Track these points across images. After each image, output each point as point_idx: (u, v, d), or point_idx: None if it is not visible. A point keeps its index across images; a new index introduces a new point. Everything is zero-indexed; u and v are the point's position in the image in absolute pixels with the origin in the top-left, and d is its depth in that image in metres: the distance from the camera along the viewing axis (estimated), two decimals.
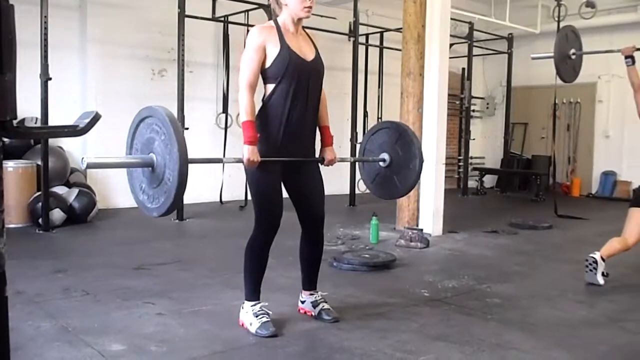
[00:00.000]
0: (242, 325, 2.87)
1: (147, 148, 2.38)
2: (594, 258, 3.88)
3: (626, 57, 4.18)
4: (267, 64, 2.72)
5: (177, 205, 2.36)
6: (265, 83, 2.77)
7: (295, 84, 2.72)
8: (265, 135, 2.73)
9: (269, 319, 2.80)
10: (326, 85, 2.86)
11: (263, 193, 2.77)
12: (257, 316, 2.80)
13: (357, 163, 3.46)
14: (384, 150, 3.22)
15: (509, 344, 2.75)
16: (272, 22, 2.83)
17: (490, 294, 3.63)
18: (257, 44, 2.70)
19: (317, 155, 2.97)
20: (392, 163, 3.19)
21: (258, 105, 2.79)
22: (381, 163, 3.22)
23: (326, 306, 3.02)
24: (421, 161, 3.11)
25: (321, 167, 2.97)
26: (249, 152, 2.65)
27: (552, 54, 4.35)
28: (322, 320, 2.97)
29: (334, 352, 2.59)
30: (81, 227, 5.61)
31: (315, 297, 3.05)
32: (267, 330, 2.75)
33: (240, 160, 2.70)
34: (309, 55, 2.79)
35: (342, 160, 3.33)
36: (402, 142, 3.17)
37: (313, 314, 3.02)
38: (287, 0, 2.75)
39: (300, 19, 2.79)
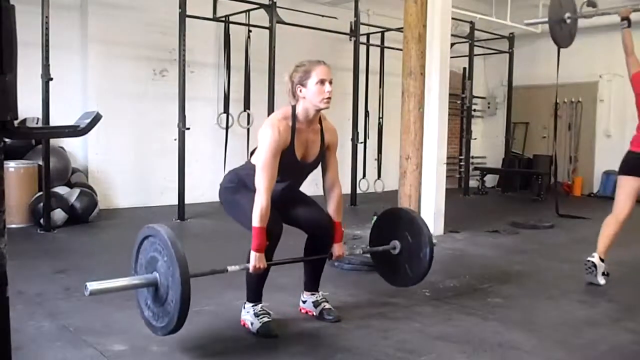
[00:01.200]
0: (244, 325, 2.87)
1: (151, 266, 2.44)
2: (592, 262, 3.85)
3: (622, 19, 4.13)
4: None
5: (181, 325, 2.36)
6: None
7: (288, 179, 2.79)
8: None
9: (270, 319, 2.81)
10: None
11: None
12: (257, 316, 2.80)
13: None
14: (394, 238, 3.27)
15: (510, 344, 2.75)
16: (288, 113, 2.72)
17: (491, 294, 3.63)
18: (277, 149, 2.63)
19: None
20: (403, 250, 3.24)
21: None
22: (392, 251, 3.27)
23: (327, 306, 3.03)
24: (432, 250, 3.14)
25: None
26: (256, 259, 2.65)
27: (546, 19, 4.31)
28: (324, 320, 2.97)
29: (335, 352, 2.59)
30: (82, 227, 5.61)
31: (317, 297, 3.05)
32: (267, 331, 2.76)
33: (246, 268, 2.70)
34: (311, 157, 2.80)
35: (352, 254, 3.43)
36: (411, 230, 3.22)
37: (314, 313, 3.02)
38: (304, 93, 2.68)
39: (318, 110, 2.73)
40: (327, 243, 2.97)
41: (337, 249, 2.98)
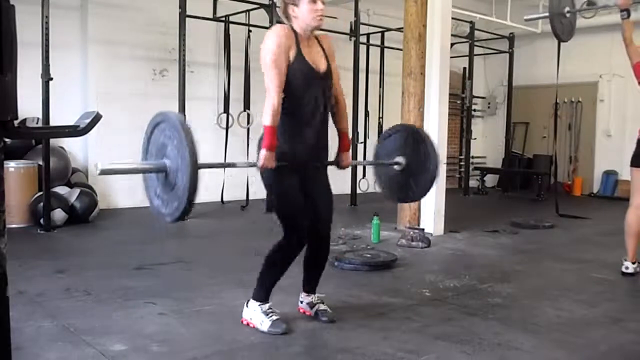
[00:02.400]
0: (247, 324, 2.86)
1: (161, 153, 2.39)
2: (630, 272, 4.08)
3: (622, 10, 4.15)
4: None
5: (189, 210, 2.31)
6: None
7: (308, 96, 2.70)
8: (280, 143, 2.68)
9: (279, 317, 2.82)
10: None
11: (286, 197, 2.76)
12: (267, 315, 2.80)
13: (372, 168, 3.43)
14: (398, 155, 3.19)
15: (510, 344, 2.75)
16: (288, 27, 2.73)
17: (491, 294, 3.63)
18: (285, 45, 2.64)
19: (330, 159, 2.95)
20: (407, 166, 3.15)
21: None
22: (396, 167, 3.18)
23: (322, 307, 3.02)
24: (437, 161, 3.07)
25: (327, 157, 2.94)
26: (265, 157, 2.61)
27: (547, 14, 4.35)
28: (319, 321, 2.97)
29: (335, 352, 2.59)
30: (82, 227, 5.61)
31: (312, 299, 3.05)
32: (279, 328, 2.76)
33: (254, 165, 2.67)
34: (321, 65, 2.77)
35: (357, 163, 3.32)
36: (415, 144, 3.14)
37: (311, 314, 3.03)
38: (296, 12, 2.70)
39: (313, 29, 2.74)
40: (326, 245, 2.96)
41: (344, 158, 2.97)
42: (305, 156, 2.76)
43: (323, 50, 2.84)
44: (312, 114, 2.73)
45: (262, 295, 2.85)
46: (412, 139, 3.17)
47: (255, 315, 2.83)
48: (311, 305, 3.03)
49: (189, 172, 2.21)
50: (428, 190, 3.17)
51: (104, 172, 2.24)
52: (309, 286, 3.06)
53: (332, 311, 3.03)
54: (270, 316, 2.80)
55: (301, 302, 3.08)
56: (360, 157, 7.94)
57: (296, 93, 2.68)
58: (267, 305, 2.84)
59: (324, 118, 2.80)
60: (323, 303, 3.05)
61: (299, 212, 2.77)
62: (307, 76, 2.70)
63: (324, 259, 3.01)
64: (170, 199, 2.36)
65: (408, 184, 3.18)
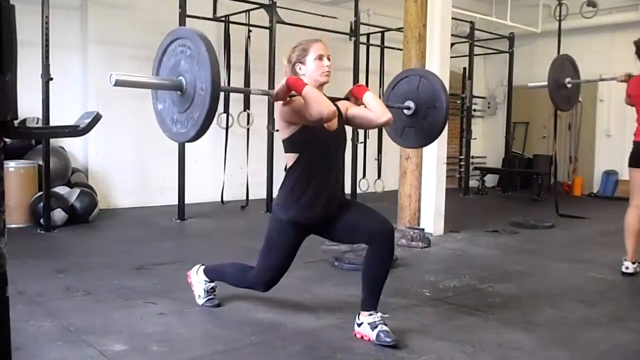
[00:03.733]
0: (190, 283, 3.18)
1: (176, 71, 2.30)
2: (630, 272, 4.08)
3: (622, 81, 4.41)
4: (290, 132, 2.65)
5: (213, 114, 2.21)
6: (288, 151, 2.70)
7: (322, 158, 2.68)
8: (296, 206, 2.68)
9: (215, 296, 3.15)
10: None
11: (272, 249, 2.78)
12: (207, 293, 3.13)
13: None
14: (408, 99, 3.14)
15: (510, 344, 2.75)
16: None
17: (491, 294, 3.63)
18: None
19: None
20: (418, 109, 3.10)
21: None
22: (406, 111, 3.12)
23: (385, 328, 2.68)
24: (447, 96, 3.04)
25: None
26: (282, 88, 2.52)
27: (545, 83, 4.36)
28: (381, 344, 2.64)
29: (336, 352, 2.59)
30: (82, 227, 5.61)
31: (374, 318, 2.70)
32: (211, 304, 3.12)
33: (269, 93, 2.66)
34: (333, 126, 2.72)
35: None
36: (423, 85, 3.09)
37: (372, 338, 2.67)
38: (304, 71, 2.67)
39: (321, 85, 2.69)
40: (390, 250, 2.69)
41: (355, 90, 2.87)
42: (320, 217, 2.71)
43: (337, 107, 2.72)
44: (326, 175, 2.70)
45: (212, 275, 3.10)
46: (420, 81, 3.12)
47: (198, 286, 3.14)
48: (373, 326, 2.68)
49: (210, 68, 2.10)
50: (443, 127, 3.10)
51: (119, 84, 2.14)
52: (370, 300, 2.72)
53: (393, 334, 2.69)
54: (209, 295, 3.13)
55: (359, 324, 2.75)
56: (360, 157, 7.95)
57: (309, 155, 2.66)
58: (210, 285, 3.12)
59: (338, 176, 2.79)
60: (386, 324, 2.70)
61: (275, 267, 2.79)
62: (319, 139, 2.66)
63: (387, 268, 2.71)
64: (191, 114, 2.26)
65: (421, 126, 3.13)
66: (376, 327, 2.66)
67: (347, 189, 7.58)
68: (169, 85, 2.30)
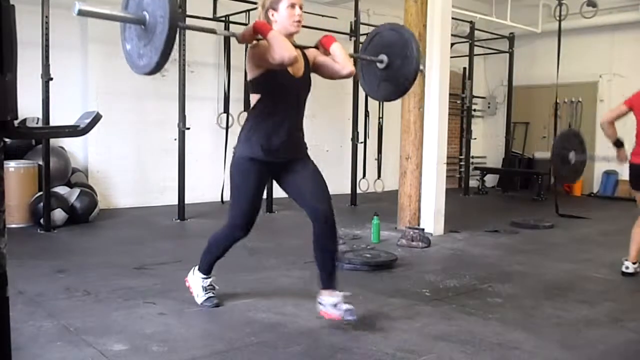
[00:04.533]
0: (189, 287, 3.19)
1: (140, 7, 2.35)
2: (630, 272, 4.09)
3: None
4: (256, 74, 2.77)
5: (173, 37, 2.30)
6: (252, 92, 2.84)
7: (282, 100, 2.80)
8: (254, 139, 2.79)
9: (214, 294, 3.14)
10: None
11: (240, 192, 2.86)
12: (205, 290, 3.12)
13: (359, 80, 3.41)
14: (381, 54, 3.16)
15: (510, 344, 2.75)
16: None
17: (491, 294, 3.63)
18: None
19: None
20: (391, 62, 3.13)
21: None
22: (379, 64, 3.16)
23: (348, 306, 2.80)
24: (417, 44, 3.04)
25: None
26: (248, 30, 2.69)
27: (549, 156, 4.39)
28: (344, 321, 2.80)
29: (335, 352, 2.59)
30: (82, 227, 5.61)
31: (336, 299, 2.82)
32: (210, 303, 3.11)
33: (234, 35, 2.79)
34: (298, 72, 2.82)
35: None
36: (393, 37, 3.13)
37: (336, 317, 2.80)
38: (276, 17, 2.78)
39: (291, 34, 2.79)
40: (332, 226, 2.80)
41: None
42: (277, 151, 2.80)
43: (305, 56, 2.89)
44: (285, 116, 2.81)
45: (204, 269, 3.11)
46: (392, 35, 3.15)
47: (196, 285, 3.15)
48: (336, 305, 2.80)
49: (168, 11, 2.18)
50: (414, 76, 3.08)
51: (82, 13, 2.16)
52: (328, 281, 2.84)
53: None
54: (207, 292, 3.13)
55: (321, 304, 2.86)
56: (360, 157, 7.94)
57: (271, 96, 2.78)
58: (207, 281, 3.13)
59: (297, 120, 2.89)
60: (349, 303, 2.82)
61: (246, 209, 2.86)
62: (284, 85, 2.77)
63: (333, 244, 2.83)
64: (152, 46, 2.34)
65: (395, 78, 3.14)
66: (338, 306, 2.80)
67: (347, 189, 7.63)
68: (132, 19, 2.35)
